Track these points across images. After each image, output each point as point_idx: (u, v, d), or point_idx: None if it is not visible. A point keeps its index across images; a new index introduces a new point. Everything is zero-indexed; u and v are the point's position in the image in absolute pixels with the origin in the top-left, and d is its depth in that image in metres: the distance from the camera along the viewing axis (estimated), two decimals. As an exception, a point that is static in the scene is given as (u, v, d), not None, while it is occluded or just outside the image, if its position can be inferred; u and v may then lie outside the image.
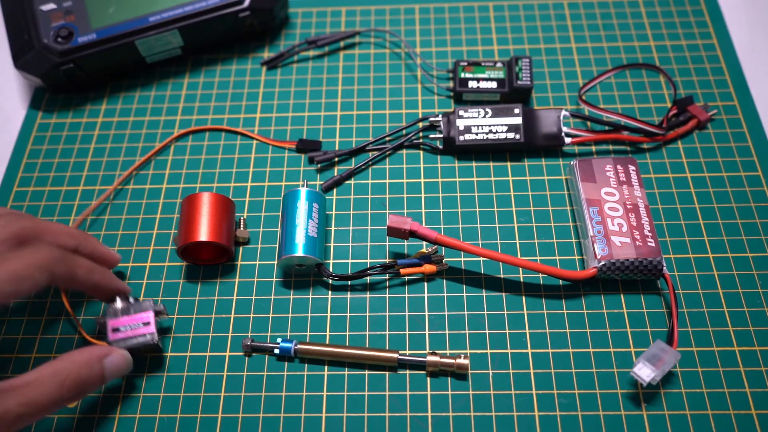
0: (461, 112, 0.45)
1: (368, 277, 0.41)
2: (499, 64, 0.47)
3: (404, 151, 0.46)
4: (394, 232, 0.39)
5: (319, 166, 0.45)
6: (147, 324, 0.36)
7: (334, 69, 0.50)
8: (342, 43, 0.52)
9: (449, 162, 0.45)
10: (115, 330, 0.36)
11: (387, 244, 0.42)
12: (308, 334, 0.39)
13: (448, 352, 0.38)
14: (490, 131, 0.44)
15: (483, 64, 0.47)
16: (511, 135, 0.44)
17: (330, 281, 0.41)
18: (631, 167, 0.41)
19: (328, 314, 0.40)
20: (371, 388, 0.37)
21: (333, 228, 0.43)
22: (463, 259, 0.41)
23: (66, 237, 0.35)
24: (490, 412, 0.36)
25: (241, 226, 0.42)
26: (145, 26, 0.47)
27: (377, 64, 0.50)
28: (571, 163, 0.42)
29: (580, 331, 0.38)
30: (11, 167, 0.46)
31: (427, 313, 0.39)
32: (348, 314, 0.39)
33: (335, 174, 0.45)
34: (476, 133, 0.44)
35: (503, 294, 0.40)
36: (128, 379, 0.38)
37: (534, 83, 0.47)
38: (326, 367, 0.38)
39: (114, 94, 0.50)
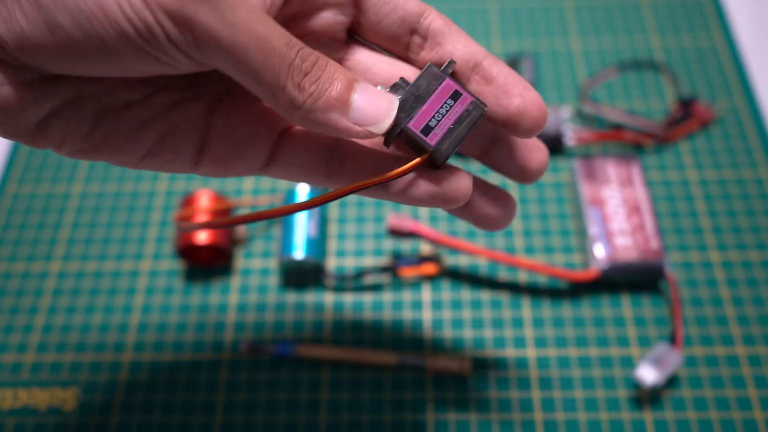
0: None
1: (368, 278, 0.40)
2: (500, 64, 0.46)
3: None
4: (395, 233, 0.38)
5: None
6: (457, 95, 0.21)
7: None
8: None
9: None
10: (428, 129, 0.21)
11: (387, 244, 0.42)
12: (308, 335, 0.39)
13: (448, 353, 0.38)
14: (491, 131, 0.44)
15: (484, 63, 0.47)
16: (512, 135, 0.43)
17: (330, 282, 0.40)
18: (633, 167, 0.41)
19: (328, 315, 0.39)
20: (371, 390, 0.37)
21: (333, 228, 0.42)
22: (463, 259, 0.41)
23: None
24: (491, 414, 0.36)
25: (241, 226, 0.42)
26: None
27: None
28: (573, 163, 0.42)
29: (581, 332, 0.38)
30: (11, 167, 0.46)
31: (427, 315, 0.39)
32: (348, 315, 0.39)
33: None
34: (477, 133, 0.44)
35: (504, 295, 0.39)
36: (125, 382, 0.37)
37: (534, 83, 0.47)
38: (326, 369, 0.37)
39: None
